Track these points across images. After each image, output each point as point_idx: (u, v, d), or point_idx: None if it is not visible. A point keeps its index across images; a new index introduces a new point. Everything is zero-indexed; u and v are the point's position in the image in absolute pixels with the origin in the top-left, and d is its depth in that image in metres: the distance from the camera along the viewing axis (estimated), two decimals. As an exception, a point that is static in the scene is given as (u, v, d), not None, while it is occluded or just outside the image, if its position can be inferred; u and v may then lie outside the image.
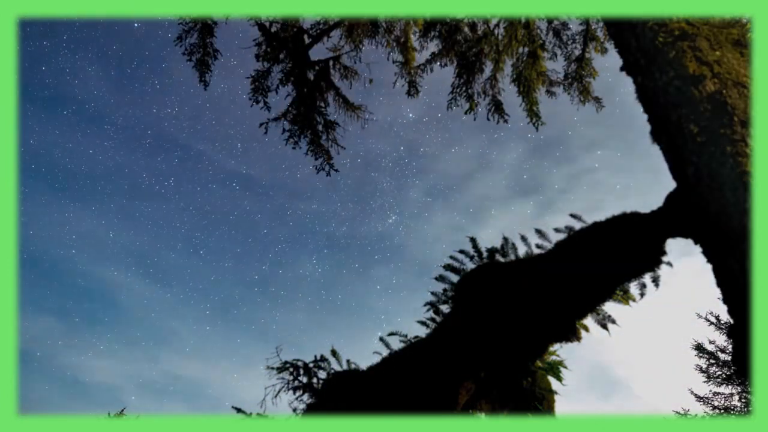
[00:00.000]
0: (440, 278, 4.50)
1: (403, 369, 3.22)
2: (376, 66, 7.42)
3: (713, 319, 14.54)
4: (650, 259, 3.04)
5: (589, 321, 3.77)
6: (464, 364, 3.19)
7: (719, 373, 14.41)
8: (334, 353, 4.02)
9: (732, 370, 13.99)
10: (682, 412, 14.26)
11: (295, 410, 3.62)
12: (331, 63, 7.53)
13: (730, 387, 14.20)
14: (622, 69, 2.90)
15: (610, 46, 7.26)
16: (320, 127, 7.69)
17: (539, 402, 3.79)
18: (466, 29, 7.25)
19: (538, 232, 4.12)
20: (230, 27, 7.35)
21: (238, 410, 3.86)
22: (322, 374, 3.80)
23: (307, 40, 7.41)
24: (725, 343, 14.50)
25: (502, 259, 4.29)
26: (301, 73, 7.42)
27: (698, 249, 2.20)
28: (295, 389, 3.73)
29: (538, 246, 4.08)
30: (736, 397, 14.04)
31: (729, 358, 14.18)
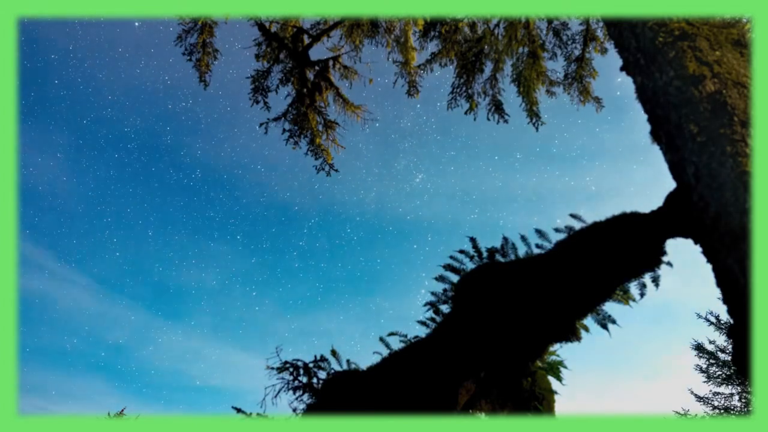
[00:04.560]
0: (440, 278, 4.50)
1: (403, 369, 3.22)
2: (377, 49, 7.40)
3: (713, 319, 14.54)
4: (650, 259, 3.04)
5: (589, 321, 3.77)
6: (464, 364, 3.19)
7: (719, 373, 14.42)
8: (334, 353, 4.02)
9: (732, 370, 13.99)
10: (682, 412, 14.26)
11: (295, 410, 3.62)
12: (331, 63, 7.53)
13: (730, 387, 14.21)
14: (622, 69, 2.90)
15: (610, 46, 7.26)
16: (320, 127, 7.69)
17: (539, 402, 3.79)
18: (466, 29, 7.25)
19: (538, 232, 4.12)
20: (231, 23, 7.34)
21: (238, 410, 3.86)
22: (322, 374, 3.80)
23: (307, 40, 7.41)
24: (725, 343, 14.50)
25: (502, 259, 4.29)
26: (301, 73, 7.42)
27: (698, 249, 2.20)
28: (295, 389, 3.73)
29: (538, 246, 4.08)
30: (736, 397, 14.05)
31: (729, 358, 14.18)
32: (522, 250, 4.23)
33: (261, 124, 7.48)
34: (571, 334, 3.40)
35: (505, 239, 4.35)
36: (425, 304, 4.50)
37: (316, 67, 7.53)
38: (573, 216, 3.73)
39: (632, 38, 2.66)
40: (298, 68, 7.41)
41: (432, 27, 7.19)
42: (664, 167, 2.45)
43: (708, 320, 14.57)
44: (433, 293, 4.50)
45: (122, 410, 12.22)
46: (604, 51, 7.37)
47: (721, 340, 14.60)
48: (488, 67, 7.51)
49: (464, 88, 7.58)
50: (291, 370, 3.81)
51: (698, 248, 2.19)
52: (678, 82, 2.16)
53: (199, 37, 6.81)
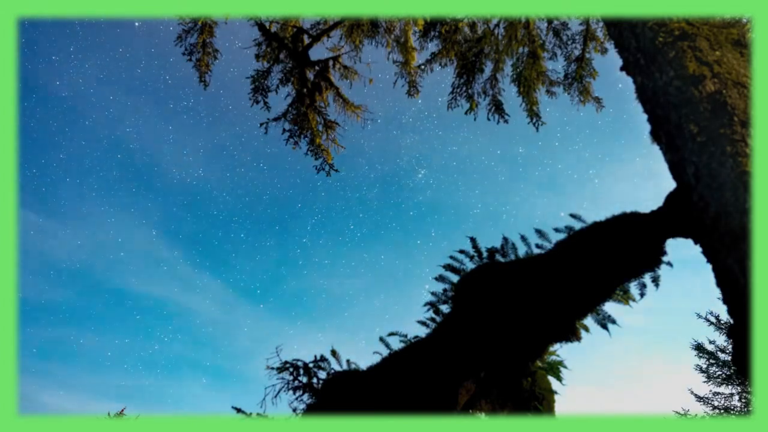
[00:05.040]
0: (440, 278, 4.50)
1: (403, 369, 3.22)
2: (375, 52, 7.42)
3: (713, 319, 14.54)
4: (650, 259, 3.04)
5: (589, 321, 3.77)
6: (464, 364, 3.19)
7: (719, 373, 14.42)
8: (334, 353, 4.02)
9: (732, 370, 13.99)
10: (682, 412, 14.26)
11: (295, 410, 3.62)
12: (331, 63, 7.53)
13: (730, 387, 14.21)
14: (622, 69, 2.90)
15: (610, 46, 7.26)
16: (320, 127, 7.69)
17: (539, 402, 3.79)
18: (466, 29, 7.25)
19: (538, 232, 4.12)
20: (231, 22, 7.34)
21: (238, 410, 3.86)
22: (322, 374, 3.80)
23: (307, 40, 7.41)
24: (725, 343, 14.50)
25: (502, 259, 4.29)
26: (301, 73, 7.42)
27: (698, 249, 2.20)
28: (295, 389, 3.73)
29: (538, 246, 4.08)
30: (736, 397, 14.05)
31: (729, 358, 14.18)
32: (522, 250, 4.23)
33: (261, 124, 7.48)
34: (571, 334, 3.40)
35: (505, 239, 4.35)
36: (425, 304, 4.50)
37: (316, 67, 7.53)
38: (573, 216, 3.73)
39: (632, 38, 2.66)
40: (298, 68, 7.41)
41: (432, 27, 7.19)
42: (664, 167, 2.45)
43: (708, 320, 14.57)
44: (433, 293, 4.51)
45: (122, 410, 12.22)
46: (604, 51, 7.36)
47: (721, 340, 14.61)
48: (488, 67, 7.51)
49: (464, 88, 7.57)
50: (291, 370, 3.81)
51: (698, 248, 2.19)
52: (678, 82, 2.16)
53: (199, 37, 6.81)
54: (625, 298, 3.71)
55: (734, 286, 1.65)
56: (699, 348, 14.87)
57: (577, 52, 7.38)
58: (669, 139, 2.25)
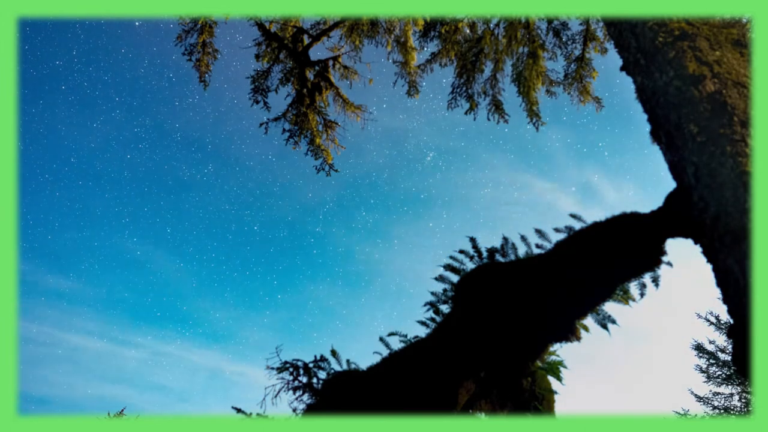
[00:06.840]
0: (440, 278, 4.50)
1: (403, 369, 3.22)
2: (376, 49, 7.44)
3: (713, 319, 14.55)
4: (650, 259, 3.04)
5: (589, 321, 3.77)
6: (464, 364, 3.19)
7: (719, 373, 14.42)
8: (334, 353, 4.02)
9: (732, 370, 13.99)
10: (682, 412, 14.26)
11: (295, 410, 3.62)
12: (330, 63, 7.54)
13: (730, 387, 14.21)
14: (622, 69, 2.90)
15: (610, 46, 7.27)
16: (320, 127, 7.69)
17: (539, 402, 3.79)
18: (466, 29, 7.25)
19: (538, 232, 4.12)
20: (232, 20, 7.35)
21: (238, 410, 3.86)
22: (322, 374, 3.80)
23: (307, 40, 7.41)
24: (725, 343, 14.51)
25: (502, 259, 4.29)
26: (301, 73, 7.42)
27: (698, 249, 2.20)
28: (295, 389, 3.73)
29: (538, 246, 4.08)
30: (736, 397, 14.05)
31: (729, 358, 14.18)
32: (522, 250, 4.23)
33: (261, 124, 7.49)
34: (571, 334, 3.40)
35: (505, 239, 4.35)
36: (425, 304, 4.50)
37: (316, 67, 7.53)
38: (573, 216, 3.73)
39: (632, 38, 2.66)
40: (298, 68, 7.41)
41: (432, 27, 7.19)
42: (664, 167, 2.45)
43: (708, 320, 14.58)
44: (433, 293, 4.51)
45: (122, 410, 12.23)
46: (604, 51, 7.37)
47: (721, 340, 14.62)
48: (488, 67, 7.51)
49: (464, 88, 7.58)
50: (291, 370, 3.81)
51: (698, 248, 2.19)
52: (678, 82, 2.16)
53: (199, 37, 6.81)
54: (625, 298, 3.71)
55: (734, 286, 1.65)
56: (699, 348, 14.87)
57: (577, 52, 7.39)
58: (669, 139, 2.25)
